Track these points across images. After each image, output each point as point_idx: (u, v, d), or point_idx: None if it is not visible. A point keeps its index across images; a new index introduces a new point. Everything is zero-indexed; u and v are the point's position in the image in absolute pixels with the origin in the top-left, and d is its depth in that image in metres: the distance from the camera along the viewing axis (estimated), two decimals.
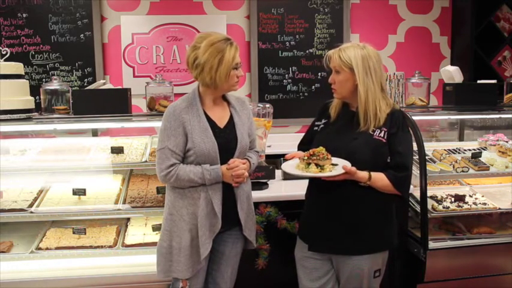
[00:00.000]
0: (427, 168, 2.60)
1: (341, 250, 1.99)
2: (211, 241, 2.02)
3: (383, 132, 1.95)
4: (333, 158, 1.92)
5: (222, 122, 2.06)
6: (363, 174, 1.91)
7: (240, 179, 2.00)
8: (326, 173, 1.88)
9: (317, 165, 1.90)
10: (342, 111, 2.06)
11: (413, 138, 2.56)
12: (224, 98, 2.13)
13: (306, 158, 1.92)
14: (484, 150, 3.02)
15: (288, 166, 2.01)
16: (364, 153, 1.93)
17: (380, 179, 1.93)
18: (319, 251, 2.04)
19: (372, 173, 1.92)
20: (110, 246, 2.53)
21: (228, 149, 2.02)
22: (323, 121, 2.10)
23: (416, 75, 3.27)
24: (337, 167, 1.90)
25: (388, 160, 1.98)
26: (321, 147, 1.93)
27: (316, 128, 2.12)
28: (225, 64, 1.93)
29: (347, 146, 1.96)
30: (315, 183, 2.05)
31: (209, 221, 1.99)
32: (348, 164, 1.90)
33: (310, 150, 1.93)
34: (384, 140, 1.94)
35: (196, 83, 2.08)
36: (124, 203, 2.62)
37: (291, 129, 4.79)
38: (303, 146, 2.16)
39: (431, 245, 2.57)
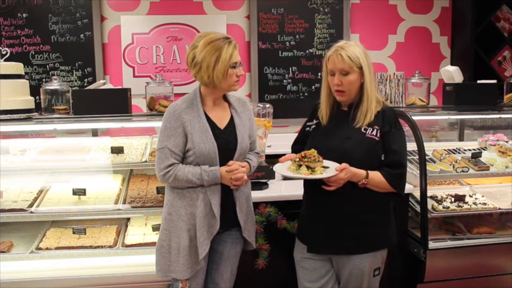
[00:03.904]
0: (427, 168, 2.60)
1: (340, 250, 1.99)
2: (209, 242, 2.01)
3: (375, 130, 1.95)
4: (324, 161, 1.92)
5: (222, 123, 2.06)
6: (359, 171, 1.91)
7: (239, 182, 2.00)
8: (316, 175, 1.88)
9: (308, 167, 1.90)
10: (333, 111, 2.06)
11: (413, 138, 2.57)
12: (225, 99, 2.12)
13: (297, 159, 1.93)
14: (484, 150, 3.02)
15: (279, 167, 2.02)
16: (357, 153, 1.94)
17: (377, 177, 1.94)
18: (318, 252, 2.04)
19: (369, 171, 1.92)
20: (110, 246, 2.53)
21: (228, 150, 2.02)
22: (315, 121, 2.10)
23: (416, 75, 3.27)
24: (328, 169, 1.90)
25: (382, 158, 1.98)
26: (313, 150, 1.93)
27: (308, 129, 2.13)
28: (222, 62, 1.92)
29: (340, 146, 1.96)
30: (310, 185, 2.05)
31: (207, 222, 1.99)
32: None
33: (302, 153, 1.94)
34: (377, 138, 1.95)
35: (197, 83, 2.08)
36: (124, 203, 2.62)
37: (291, 129, 4.79)
38: (296, 146, 2.16)
39: (431, 245, 2.57)
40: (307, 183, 2.09)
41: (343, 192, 1.93)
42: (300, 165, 1.92)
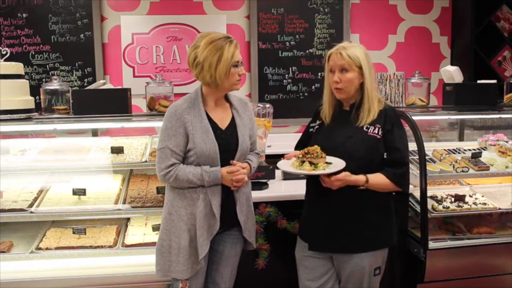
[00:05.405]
0: (427, 168, 2.60)
1: (341, 249, 1.99)
2: (209, 242, 2.02)
3: (377, 128, 1.97)
4: (327, 157, 1.93)
5: (223, 123, 2.06)
6: (357, 180, 1.92)
7: (240, 183, 2.00)
8: (318, 171, 1.89)
9: (311, 163, 1.91)
10: (335, 112, 2.07)
11: (413, 138, 2.57)
12: (226, 99, 2.12)
13: (300, 156, 1.94)
14: (484, 150, 3.02)
15: (283, 164, 2.04)
16: (360, 151, 1.95)
17: (378, 180, 1.95)
18: (319, 250, 2.04)
19: (369, 176, 1.93)
20: (110, 246, 2.53)
21: (229, 150, 2.02)
22: (318, 122, 2.12)
23: (416, 75, 3.26)
24: (331, 165, 1.91)
25: (385, 156, 1.99)
26: (316, 146, 1.95)
27: (311, 130, 2.14)
28: (224, 61, 1.92)
29: (343, 145, 1.97)
30: (312, 182, 2.05)
31: (207, 222, 1.99)
32: (342, 163, 1.91)
33: (305, 149, 1.95)
34: (379, 136, 1.97)
35: (197, 83, 2.08)
36: (124, 203, 2.62)
37: (291, 129, 4.80)
38: (300, 147, 2.16)
39: (431, 245, 2.57)
40: (310, 180, 2.09)
41: (345, 191, 1.93)
42: (303, 162, 1.93)
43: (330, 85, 2.05)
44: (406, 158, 2.01)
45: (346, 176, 1.90)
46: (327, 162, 1.92)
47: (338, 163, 1.92)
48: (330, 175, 1.90)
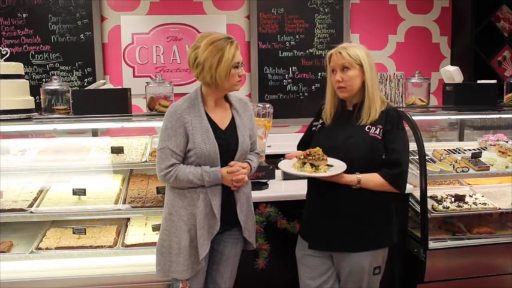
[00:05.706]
0: (427, 168, 2.60)
1: (341, 247, 2.00)
2: (210, 242, 2.02)
3: (378, 129, 1.97)
4: (329, 159, 1.93)
5: (223, 124, 2.06)
6: (350, 178, 1.93)
7: (240, 183, 2.00)
8: (319, 174, 1.90)
9: (312, 165, 1.91)
10: (338, 111, 2.08)
11: (413, 138, 2.57)
12: (226, 99, 2.12)
13: (302, 157, 1.94)
14: (484, 150, 3.02)
15: (284, 164, 2.04)
16: (360, 151, 1.96)
17: (372, 180, 1.95)
18: (318, 248, 2.05)
19: (362, 176, 1.94)
20: (110, 246, 2.53)
21: (229, 150, 2.02)
22: (320, 121, 2.13)
23: (416, 75, 3.27)
24: (332, 168, 1.91)
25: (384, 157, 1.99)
26: (318, 148, 1.95)
27: (314, 128, 2.15)
28: (224, 62, 1.92)
29: (344, 145, 1.98)
30: (313, 181, 2.06)
31: (208, 222, 1.99)
32: (343, 165, 1.92)
33: (307, 150, 1.95)
34: (380, 137, 1.97)
35: (198, 83, 2.08)
36: (124, 203, 2.62)
37: (291, 129, 4.79)
38: (302, 146, 2.18)
39: (431, 245, 2.58)
40: (311, 180, 2.10)
41: (345, 190, 1.94)
42: (305, 163, 1.94)
43: (333, 86, 2.05)
44: (402, 158, 1.99)
45: (338, 176, 1.91)
46: (328, 165, 1.92)
47: (339, 165, 1.92)
48: None
